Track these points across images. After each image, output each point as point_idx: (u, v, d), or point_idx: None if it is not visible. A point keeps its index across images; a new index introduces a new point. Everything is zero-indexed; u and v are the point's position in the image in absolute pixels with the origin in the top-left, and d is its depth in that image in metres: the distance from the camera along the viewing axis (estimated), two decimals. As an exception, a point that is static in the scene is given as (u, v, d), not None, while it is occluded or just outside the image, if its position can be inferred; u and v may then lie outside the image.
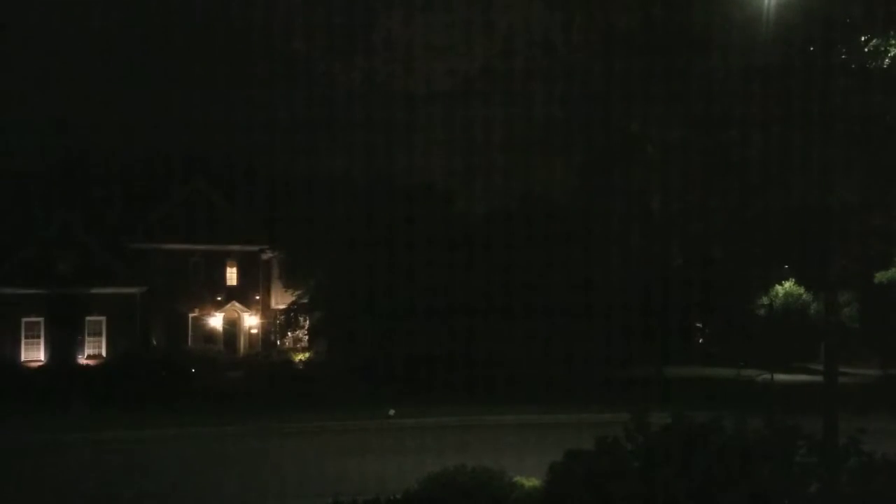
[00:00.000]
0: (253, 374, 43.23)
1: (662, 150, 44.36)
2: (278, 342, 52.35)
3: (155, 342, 48.43)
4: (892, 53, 17.14)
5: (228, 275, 51.48)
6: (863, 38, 17.22)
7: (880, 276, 40.27)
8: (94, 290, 45.38)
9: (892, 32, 17.16)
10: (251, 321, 51.75)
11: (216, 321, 50.61)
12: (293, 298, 49.35)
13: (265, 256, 52.10)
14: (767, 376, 43.80)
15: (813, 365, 44.90)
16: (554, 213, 45.42)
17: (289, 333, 52.17)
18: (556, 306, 41.30)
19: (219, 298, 50.74)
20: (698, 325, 58.90)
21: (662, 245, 47.35)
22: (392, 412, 31.19)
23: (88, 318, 45.80)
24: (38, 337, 44.71)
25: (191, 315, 50.38)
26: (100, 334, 46.14)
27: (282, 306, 51.69)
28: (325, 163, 49.11)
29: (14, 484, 20.46)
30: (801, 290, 47.97)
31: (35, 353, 44.39)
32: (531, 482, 13.56)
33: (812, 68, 17.01)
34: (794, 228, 44.46)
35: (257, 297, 52.10)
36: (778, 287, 48.48)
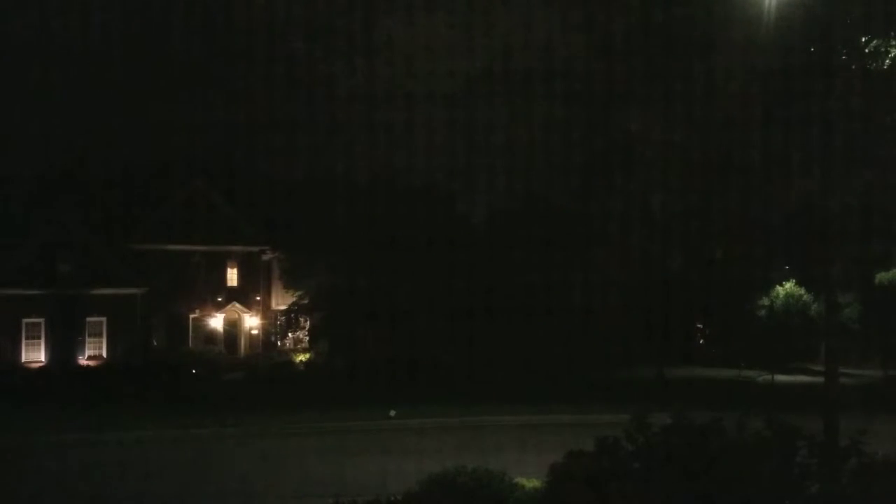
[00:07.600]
0: (253, 375, 43.27)
1: (662, 151, 44.42)
2: (279, 343, 52.38)
3: (155, 343, 48.45)
4: (892, 54, 17.13)
5: (229, 275, 51.47)
6: (863, 39, 17.21)
7: (881, 277, 40.37)
8: (95, 291, 45.37)
9: (892, 33, 17.15)
10: (252, 322, 51.76)
11: (217, 322, 50.62)
12: (294, 299, 49.38)
13: (266, 257, 52.10)
14: (768, 377, 43.86)
15: (813, 365, 44.92)
16: (554, 214, 45.51)
17: (289, 334, 52.24)
18: (557, 307, 41.38)
19: (219, 299, 50.74)
20: (699, 325, 58.96)
21: (662, 245, 47.38)
22: (392, 413, 31.18)
23: (89, 318, 45.78)
24: (39, 338, 44.70)
25: (191, 316, 50.38)
26: (100, 335, 46.12)
27: (282, 307, 51.71)
28: (325, 163, 49.16)
29: (14, 484, 20.46)
30: (802, 290, 47.99)
31: (36, 354, 44.38)
32: (532, 483, 13.56)
33: (812, 69, 17.00)
34: (794, 229, 44.49)
35: (258, 298, 52.11)
36: (778, 288, 48.49)
